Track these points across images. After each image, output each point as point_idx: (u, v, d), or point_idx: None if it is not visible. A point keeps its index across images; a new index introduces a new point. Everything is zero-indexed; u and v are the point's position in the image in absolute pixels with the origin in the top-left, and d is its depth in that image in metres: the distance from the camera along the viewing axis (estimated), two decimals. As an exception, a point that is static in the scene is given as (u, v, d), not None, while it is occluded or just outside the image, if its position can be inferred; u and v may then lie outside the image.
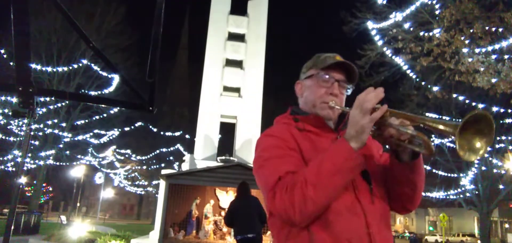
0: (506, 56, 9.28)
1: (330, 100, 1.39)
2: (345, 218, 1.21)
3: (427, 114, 20.34)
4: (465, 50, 9.70)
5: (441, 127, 1.09)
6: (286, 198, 1.15)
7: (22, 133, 21.94)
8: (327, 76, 1.41)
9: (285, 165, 1.23)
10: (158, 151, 37.33)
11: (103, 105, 23.30)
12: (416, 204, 1.40)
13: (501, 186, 21.27)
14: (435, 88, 13.62)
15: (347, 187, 1.24)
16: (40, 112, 22.25)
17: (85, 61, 23.61)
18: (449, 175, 22.50)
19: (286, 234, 1.26)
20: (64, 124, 26.08)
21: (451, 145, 21.05)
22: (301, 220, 1.17)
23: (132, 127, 30.15)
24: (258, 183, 1.31)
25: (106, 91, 22.19)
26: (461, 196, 22.40)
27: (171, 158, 39.12)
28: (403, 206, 1.40)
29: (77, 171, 36.29)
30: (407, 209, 1.42)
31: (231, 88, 13.25)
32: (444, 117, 19.33)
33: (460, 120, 1.04)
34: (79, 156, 28.86)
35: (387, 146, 1.35)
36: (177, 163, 33.53)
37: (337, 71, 1.42)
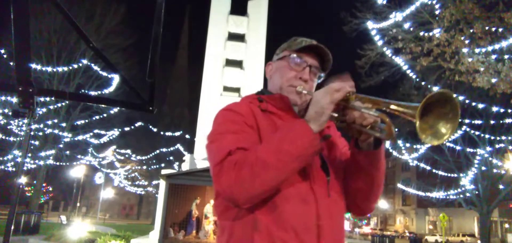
0: (506, 56, 9.28)
1: (298, 84, 1.32)
2: (294, 205, 1.13)
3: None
4: (465, 50, 9.70)
5: (402, 109, 1.04)
6: (233, 174, 1.06)
7: (22, 133, 21.94)
8: (298, 60, 1.34)
9: (238, 141, 1.14)
10: (158, 151, 37.30)
11: (103, 105, 23.30)
12: (371, 206, 1.33)
13: (501, 186, 21.26)
14: (435, 88, 13.62)
15: (303, 175, 1.17)
16: (40, 112, 22.25)
17: (85, 61, 23.60)
18: (449, 175, 22.50)
19: (232, 216, 1.17)
20: (64, 124, 26.07)
21: (451, 145, 21.07)
22: (245, 200, 1.07)
23: (132, 127, 30.13)
24: (208, 157, 1.21)
25: (106, 91, 22.18)
26: (461, 196, 22.39)
27: (171, 158, 39.10)
28: (357, 205, 1.33)
29: (77, 171, 36.29)
30: (361, 210, 1.34)
31: (231, 88, 13.25)
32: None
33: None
34: (79, 156, 28.86)
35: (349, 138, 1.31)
36: (177, 163, 33.52)
37: (310, 56, 1.35)
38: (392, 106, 1.08)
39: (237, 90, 13.24)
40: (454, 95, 1.00)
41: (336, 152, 1.34)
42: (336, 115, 1.20)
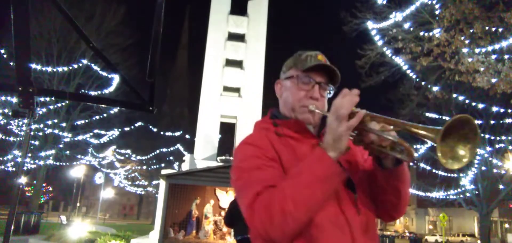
0: (506, 56, 9.28)
1: (310, 103, 1.33)
2: (329, 233, 1.15)
3: (426, 114, 20.37)
4: (465, 50, 9.71)
5: (422, 132, 1.03)
6: (265, 216, 1.09)
7: (22, 133, 21.94)
8: (307, 79, 1.34)
9: (264, 178, 1.16)
10: (158, 151, 37.31)
11: (103, 105, 23.30)
12: (402, 212, 1.35)
13: (501, 186, 21.25)
14: (435, 88, 13.63)
15: (330, 198, 1.18)
16: (40, 112, 22.23)
17: (85, 61, 23.61)
18: (449, 175, 22.49)
19: None
20: (64, 124, 26.07)
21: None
22: (282, 239, 1.10)
23: (132, 127, 30.15)
24: (236, 196, 1.25)
25: (106, 91, 22.19)
26: (461, 196, 22.39)
27: (171, 158, 39.10)
28: (388, 214, 1.35)
29: (77, 171, 36.30)
30: (393, 217, 1.36)
31: (231, 88, 13.25)
32: (444, 117, 19.34)
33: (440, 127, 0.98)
34: (79, 156, 28.85)
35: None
36: (177, 163, 33.52)
37: (318, 73, 1.35)
38: (410, 128, 1.08)
39: (237, 90, 13.24)
40: (472, 119, 1.00)
41: (358, 165, 1.35)
42: (354, 134, 1.20)
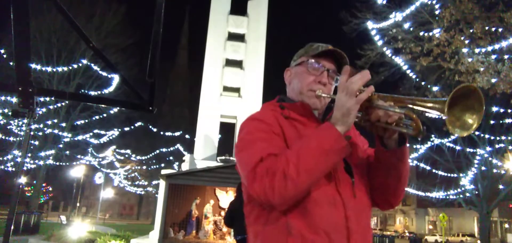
0: (506, 56, 9.28)
1: (317, 88, 1.36)
2: (324, 209, 1.18)
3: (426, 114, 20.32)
4: (465, 50, 9.71)
5: (429, 105, 1.06)
6: (266, 180, 1.12)
7: (22, 133, 21.93)
8: (317, 65, 1.38)
9: (268, 147, 1.19)
10: (158, 151, 37.28)
11: (103, 105, 23.30)
12: (399, 198, 1.38)
13: (501, 186, 21.26)
14: (435, 88, 13.63)
15: (329, 179, 1.22)
16: (40, 112, 22.23)
17: (85, 61, 23.59)
18: (449, 175, 22.49)
19: (264, 221, 1.23)
20: (64, 124, 26.07)
21: (451, 145, 21.07)
22: (280, 203, 1.13)
23: (132, 127, 30.11)
24: (239, 165, 1.26)
25: (106, 91, 22.16)
26: (461, 196, 22.38)
27: (171, 158, 39.10)
28: (386, 199, 1.37)
29: (77, 171, 36.28)
30: (390, 204, 1.39)
31: (231, 88, 13.25)
32: (444, 117, 19.32)
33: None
34: (79, 156, 28.84)
35: (373, 137, 1.33)
36: (177, 163, 33.53)
37: (327, 60, 1.40)
38: (418, 103, 1.10)
39: (237, 90, 13.23)
40: (477, 87, 1.03)
41: (358, 152, 1.38)
42: (359, 114, 1.23)
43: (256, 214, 1.27)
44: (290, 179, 1.09)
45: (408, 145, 1.28)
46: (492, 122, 19.37)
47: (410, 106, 1.13)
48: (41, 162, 24.86)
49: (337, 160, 1.18)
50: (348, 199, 1.22)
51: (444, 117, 1.01)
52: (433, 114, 1.06)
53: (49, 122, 23.96)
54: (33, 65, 17.54)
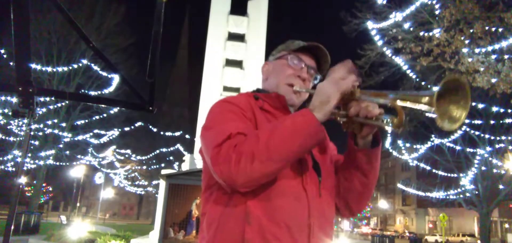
0: (506, 56, 9.28)
1: (296, 82, 1.32)
2: (287, 202, 1.12)
3: (426, 114, 20.33)
4: (465, 50, 9.70)
5: (414, 99, 1.03)
6: (232, 155, 1.03)
7: (22, 133, 21.93)
8: (296, 60, 1.34)
9: (238, 127, 1.11)
10: (158, 151, 37.32)
11: (103, 105, 23.30)
12: (361, 207, 1.33)
13: (501, 186, 21.26)
14: (435, 88, 13.60)
15: (296, 173, 1.16)
16: (40, 112, 22.24)
17: (85, 61, 23.59)
18: (449, 175, 22.50)
19: (222, 208, 1.14)
20: (64, 124, 26.06)
21: (451, 145, 21.07)
22: (244, 182, 1.04)
23: (132, 127, 30.14)
24: (204, 143, 1.17)
25: (106, 91, 22.17)
26: (461, 196, 22.38)
27: (171, 158, 39.12)
28: (347, 205, 1.33)
29: (77, 171, 36.29)
30: (351, 211, 1.34)
31: (231, 88, 13.25)
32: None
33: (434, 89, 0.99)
34: (79, 156, 28.84)
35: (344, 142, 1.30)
36: (177, 163, 33.52)
37: (308, 56, 1.36)
38: (402, 98, 1.06)
39: (237, 90, 13.23)
40: (466, 81, 1.01)
41: (327, 154, 1.33)
42: (336, 110, 1.18)
43: (214, 199, 1.18)
44: (258, 158, 1.02)
45: (379, 148, 1.24)
46: (492, 122, 19.38)
47: (393, 101, 1.08)
48: (41, 162, 24.86)
49: (310, 145, 1.11)
50: (313, 197, 1.18)
51: (432, 110, 0.99)
52: (420, 108, 1.04)
53: (49, 122, 23.95)
54: (33, 65, 17.55)
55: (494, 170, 21.18)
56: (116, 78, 18.74)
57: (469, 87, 1.02)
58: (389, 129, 1.12)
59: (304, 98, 1.35)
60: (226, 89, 13.19)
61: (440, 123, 0.99)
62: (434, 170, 22.26)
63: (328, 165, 1.31)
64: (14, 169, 24.20)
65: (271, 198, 1.11)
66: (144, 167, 42.46)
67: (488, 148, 20.00)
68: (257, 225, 1.09)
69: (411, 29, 11.85)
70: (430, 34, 10.94)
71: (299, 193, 1.16)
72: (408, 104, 1.06)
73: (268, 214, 1.10)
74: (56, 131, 24.45)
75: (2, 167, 24.48)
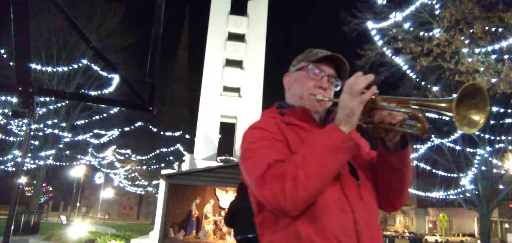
0: (506, 56, 9.27)
1: (318, 93, 1.37)
2: (332, 214, 1.18)
3: (426, 113, 20.30)
4: (465, 50, 9.70)
5: (435, 105, 1.07)
6: (276, 185, 1.11)
7: (22, 133, 21.92)
8: (317, 70, 1.39)
9: (273, 154, 1.19)
10: (158, 151, 37.30)
11: (103, 105, 23.30)
12: (403, 201, 1.37)
13: (501, 186, 21.24)
14: (435, 88, 13.61)
15: (334, 183, 1.21)
16: (40, 112, 22.24)
17: (85, 61, 23.59)
18: (449, 175, 22.48)
19: (274, 229, 1.23)
20: (64, 124, 26.06)
21: (451, 145, 21.06)
22: (291, 208, 1.12)
23: (132, 127, 30.12)
24: (246, 174, 1.26)
25: (106, 91, 22.17)
26: (461, 196, 22.37)
27: (171, 158, 39.10)
28: (390, 202, 1.37)
29: (77, 171, 36.29)
30: (394, 206, 1.39)
31: (231, 88, 13.25)
32: (443, 117, 19.34)
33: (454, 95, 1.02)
34: (79, 156, 28.84)
35: (376, 138, 1.32)
36: (177, 163, 33.52)
37: (328, 65, 1.40)
38: (422, 103, 1.11)
39: (237, 90, 13.23)
40: (482, 85, 1.04)
41: (361, 154, 1.37)
42: (361, 118, 1.22)
43: (267, 223, 1.26)
44: (300, 183, 1.09)
45: (410, 146, 1.28)
46: (492, 122, 19.36)
47: (414, 106, 1.13)
48: (41, 162, 24.86)
49: (344, 159, 1.17)
50: (355, 202, 1.22)
51: (450, 115, 1.02)
52: (440, 113, 1.07)
53: (49, 122, 23.95)
54: (33, 65, 17.51)
55: (494, 170, 21.16)
56: (116, 78, 18.74)
57: (487, 94, 1.05)
58: (414, 134, 1.17)
59: (328, 105, 1.40)
60: (226, 89, 13.19)
61: (459, 127, 1.04)
62: (434, 170, 22.24)
63: (364, 166, 1.35)
64: (14, 169, 24.19)
65: (317, 214, 1.17)
66: (144, 167, 42.45)
67: (488, 148, 20.00)
68: (308, 242, 1.16)
69: (411, 29, 11.84)
70: (430, 34, 10.94)
71: (342, 202, 1.21)
72: (425, 109, 1.11)
73: (317, 230, 1.16)
74: (56, 131, 24.45)
75: (2, 167, 24.48)
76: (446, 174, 22.42)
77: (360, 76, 1.17)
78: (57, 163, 27.37)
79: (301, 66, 1.44)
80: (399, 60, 13.01)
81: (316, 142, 1.16)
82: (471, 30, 9.60)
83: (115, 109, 24.85)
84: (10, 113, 18.68)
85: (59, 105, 24.61)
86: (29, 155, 22.41)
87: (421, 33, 11.49)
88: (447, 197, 23.07)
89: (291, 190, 1.09)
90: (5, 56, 16.74)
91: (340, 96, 1.19)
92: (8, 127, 22.06)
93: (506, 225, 37.96)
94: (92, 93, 23.64)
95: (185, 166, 11.67)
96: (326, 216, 1.17)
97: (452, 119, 1.02)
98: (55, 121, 24.99)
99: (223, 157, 11.38)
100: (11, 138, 22.93)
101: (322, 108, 1.39)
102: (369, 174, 1.34)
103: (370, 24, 12.52)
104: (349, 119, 1.15)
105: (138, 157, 37.76)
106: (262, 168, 1.16)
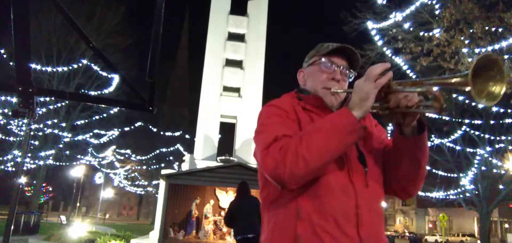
0: (506, 56, 9.28)
1: (332, 85, 1.38)
2: (335, 196, 1.20)
3: (426, 113, 20.27)
4: (465, 50, 9.71)
5: (451, 81, 1.06)
6: (278, 156, 1.15)
7: (22, 133, 21.93)
8: (329, 63, 1.41)
9: (283, 129, 1.24)
10: (158, 151, 37.29)
11: (103, 105, 23.30)
12: (418, 187, 1.38)
13: (501, 186, 21.23)
14: (435, 88, 13.61)
15: (342, 166, 1.24)
16: (40, 112, 22.23)
17: (85, 61, 23.59)
18: (449, 175, 22.47)
19: (276, 205, 1.27)
20: (64, 124, 26.06)
21: (451, 145, 21.05)
22: (290, 179, 1.15)
23: (132, 127, 30.12)
24: (256, 146, 1.30)
25: (106, 91, 22.16)
26: (461, 196, 22.36)
27: (171, 158, 39.09)
28: (404, 189, 1.37)
29: (77, 171, 36.27)
30: (408, 193, 1.39)
31: (231, 88, 13.25)
32: (443, 117, 19.33)
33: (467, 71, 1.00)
34: (79, 156, 28.84)
35: (391, 126, 1.33)
36: (177, 163, 33.51)
37: (339, 57, 1.42)
38: (437, 82, 1.11)
39: (237, 90, 13.23)
40: (499, 57, 1.03)
41: (373, 142, 1.38)
42: (377, 104, 1.23)
43: (270, 198, 1.30)
44: (301, 157, 1.12)
45: (426, 133, 1.29)
46: (492, 122, 19.36)
47: (430, 86, 1.13)
48: (41, 162, 24.86)
49: (350, 142, 1.18)
50: (360, 188, 1.24)
51: (468, 89, 1.00)
52: (457, 89, 1.07)
53: (49, 122, 23.95)
54: (33, 65, 17.51)
55: (494, 170, 21.16)
56: (116, 78, 18.74)
57: (503, 63, 1.03)
58: (431, 114, 1.16)
59: (343, 98, 1.41)
60: (226, 89, 13.19)
61: (478, 100, 1.02)
62: (434, 170, 22.23)
63: (374, 154, 1.35)
64: (14, 169, 24.19)
65: (319, 194, 1.21)
66: (144, 167, 42.44)
67: (488, 148, 19.99)
68: (307, 220, 1.19)
69: (411, 29, 11.86)
70: (430, 34, 10.95)
71: (346, 185, 1.23)
72: (441, 86, 1.11)
73: (317, 209, 1.19)
74: (56, 131, 24.45)
75: (2, 167, 24.48)
76: (446, 174, 22.40)
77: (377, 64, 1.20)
78: (57, 163, 27.38)
79: (313, 61, 1.46)
80: (399, 60, 13.01)
81: (324, 122, 1.19)
82: (471, 30, 9.61)
83: (115, 109, 24.85)
84: (10, 113, 18.67)
85: (59, 105, 24.60)
86: (29, 155, 22.42)
87: (421, 33, 11.50)
88: (447, 197, 23.07)
89: (292, 162, 1.13)
90: (5, 56, 16.73)
91: (356, 81, 1.21)
92: (8, 127, 22.06)
93: (506, 225, 37.97)
94: (92, 93, 23.64)
95: (185, 166, 11.67)
96: (327, 197, 1.20)
97: (470, 93, 1.00)
98: (55, 121, 24.98)
99: (223, 157, 11.38)
100: (11, 138, 22.93)
101: (337, 100, 1.40)
102: (378, 162, 1.35)
103: (370, 24, 12.53)
104: (363, 104, 1.16)
105: (138, 157, 37.77)
106: (269, 140, 1.21)
